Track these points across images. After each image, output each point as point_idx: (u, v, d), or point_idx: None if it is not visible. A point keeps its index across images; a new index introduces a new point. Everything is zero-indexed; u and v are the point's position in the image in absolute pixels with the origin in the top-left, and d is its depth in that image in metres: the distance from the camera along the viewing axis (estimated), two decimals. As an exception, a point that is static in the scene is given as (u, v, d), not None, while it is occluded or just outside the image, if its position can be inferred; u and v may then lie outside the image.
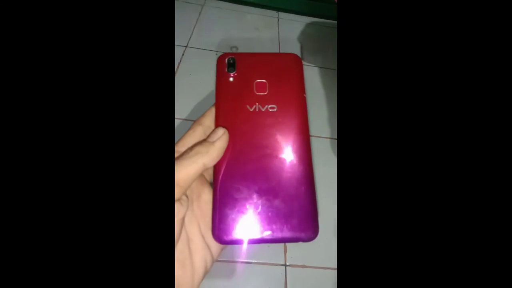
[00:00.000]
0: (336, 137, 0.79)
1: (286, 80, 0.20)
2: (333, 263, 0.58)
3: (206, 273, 0.18)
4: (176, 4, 1.06)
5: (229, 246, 0.57)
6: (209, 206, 0.18)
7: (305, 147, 0.19)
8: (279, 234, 0.18)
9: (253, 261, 0.56)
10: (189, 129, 0.19)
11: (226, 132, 0.18)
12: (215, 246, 0.18)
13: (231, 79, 0.20)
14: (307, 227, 0.18)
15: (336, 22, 1.19)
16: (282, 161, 0.18)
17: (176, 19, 0.99)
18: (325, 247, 0.59)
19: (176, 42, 0.92)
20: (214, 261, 0.18)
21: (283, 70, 0.21)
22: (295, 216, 0.18)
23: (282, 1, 1.16)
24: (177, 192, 0.15)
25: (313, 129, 0.78)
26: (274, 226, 0.17)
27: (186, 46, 0.93)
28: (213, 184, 0.18)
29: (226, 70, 0.20)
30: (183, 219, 0.16)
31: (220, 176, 0.18)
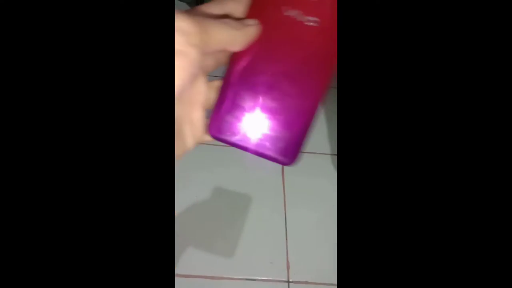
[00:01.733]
0: (336, 153, 0.81)
1: None
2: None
3: (181, 156, 0.18)
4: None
5: (233, 262, 0.58)
6: (198, 97, 0.18)
7: (325, 81, 0.17)
8: (263, 150, 0.18)
9: (257, 278, 0.57)
10: None
11: (258, 25, 0.16)
12: (190, 138, 0.18)
13: None
14: (290, 154, 0.18)
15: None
16: (295, 85, 0.17)
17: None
18: (328, 263, 0.60)
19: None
20: (187, 151, 0.18)
21: None
22: (284, 140, 0.18)
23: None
24: (200, 44, 0.14)
25: (314, 146, 0.80)
26: (262, 141, 0.18)
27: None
28: (223, 80, 0.18)
29: None
30: (195, 71, 0.15)
31: (232, 75, 0.17)
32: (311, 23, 0.16)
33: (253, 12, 0.17)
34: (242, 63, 0.17)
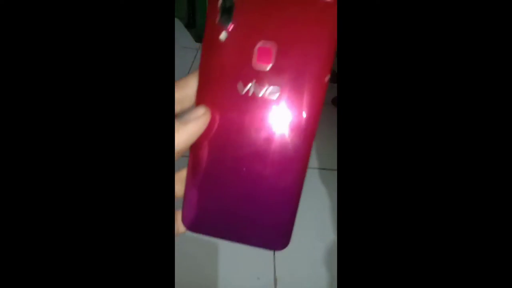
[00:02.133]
0: (323, 167, 0.82)
1: (308, 43, 0.14)
2: (323, 294, 0.58)
3: None
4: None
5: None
6: None
7: (303, 154, 0.15)
8: (247, 239, 0.16)
9: (244, 294, 0.57)
10: (184, 78, 0.16)
11: (208, 114, 0.15)
12: None
13: (223, 36, 0.14)
14: (278, 239, 0.16)
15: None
16: (266, 166, 0.15)
17: (173, 62, 1.08)
18: (315, 278, 0.60)
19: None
20: None
21: (305, 24, 0.14)
22: (269, 226, 0.16)
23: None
24: None
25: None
26: (244, 228, 0.16)
27: (181, 87, 1.00)
28: (188, 171, 0.16)
29: (218, 20, 0.14)
30: None
31: (194, 165, 0.16)
32: (272, 95, 0.14)
33: (204, 94, 0.15)
34: (201, 152, 0.15)
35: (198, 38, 1.28)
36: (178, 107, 0.16)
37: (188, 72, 1.10)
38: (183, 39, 1.27)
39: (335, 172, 0.81)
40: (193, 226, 0.16)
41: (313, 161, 0.83)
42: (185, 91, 0.16)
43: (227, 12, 0.14)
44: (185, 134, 0.14)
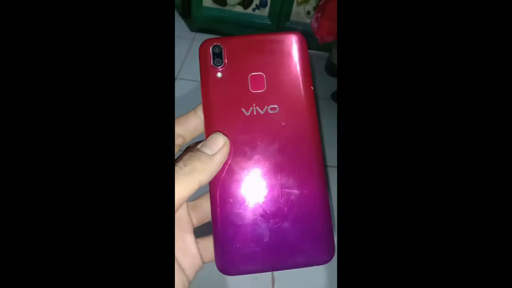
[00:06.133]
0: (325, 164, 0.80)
1: (289, 69, 0.16)
2: (322, 294, 0.56)
3: None
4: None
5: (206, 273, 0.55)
6: (181, 224, 0.17)
7: (316, 154, 0.16)
8: (290, 260, 0.15)
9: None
10: (184, 115, 0.17)
11: (228, 143, 0.15)
12: (189, 269, 0.16)
13: (219, 74, 0.16)
14: (321, 250, 0.15)
15: (313, 51, 1.26)
16: (290, 175, 0.15)
17: (167, 52, 1.04)
18: (313, 278, 0.58)
19: (166, 74, 0.96)
20: (190, 283, 0.17)
21: (284, 56, 0.16)
22: (307, 239, 0.15)
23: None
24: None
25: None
26: (284, 252, 0.15)
27: (176, 78, 0.96)
28: (211, 207, 0.16)
29: (211, 63, 0.16)
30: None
31: (218, 199, 0.16)
32: (271, 112, 0.16)
33: (212, 122, 0.16)
34: (222, 178, 0.16)
35: (193, 27, 1.24)
36: (179, 140, 0.17)
37: (183, 63, 1.05)
38: (177, 28, 1.22)
39: (336, 169, 0.80)
40: (230, 269, 0.16)
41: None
42: (186, 126, 0.17)
43: (218, 55, 0.16)
44: (214, 164, 0.15)
